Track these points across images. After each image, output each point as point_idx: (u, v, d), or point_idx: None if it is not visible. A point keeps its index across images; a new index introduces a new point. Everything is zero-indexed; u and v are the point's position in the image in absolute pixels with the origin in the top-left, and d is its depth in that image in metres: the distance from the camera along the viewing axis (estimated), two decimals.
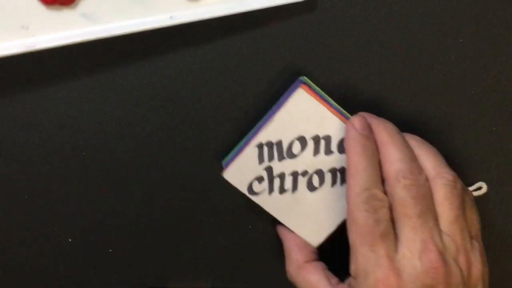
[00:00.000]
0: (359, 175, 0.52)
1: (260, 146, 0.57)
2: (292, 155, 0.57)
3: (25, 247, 0.62)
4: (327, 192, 0.57)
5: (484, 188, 0.61)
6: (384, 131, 0.53)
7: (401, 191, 0.51)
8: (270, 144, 0.57)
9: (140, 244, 0.63)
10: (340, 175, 0.57)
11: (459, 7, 0.60)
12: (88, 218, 0.63)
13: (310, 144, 0.57)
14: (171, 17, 0.58)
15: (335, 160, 0.57)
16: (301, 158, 0.57)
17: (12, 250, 0.62)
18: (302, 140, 0.57)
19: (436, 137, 0.60)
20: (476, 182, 0.62)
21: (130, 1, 0.57)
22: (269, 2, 0.58)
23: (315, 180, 0.58)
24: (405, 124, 0.57)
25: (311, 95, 0.56)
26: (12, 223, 0.62)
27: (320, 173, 0.57)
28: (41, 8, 0.56)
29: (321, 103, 0.56)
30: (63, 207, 0.62)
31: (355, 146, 0.53)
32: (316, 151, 0.57)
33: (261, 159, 0.57)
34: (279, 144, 0.57)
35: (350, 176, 0.52)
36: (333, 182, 0.57)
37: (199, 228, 0.62)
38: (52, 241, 0.62)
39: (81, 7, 0.56)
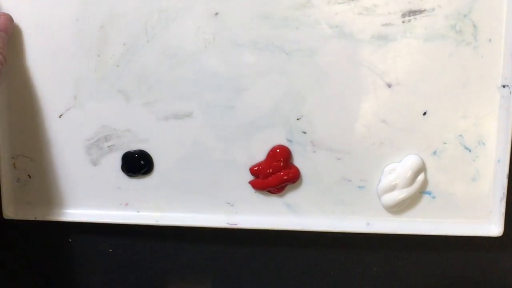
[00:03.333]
0: None
1: None
2: None
3: (26, 246, 0.63)
4: None
5: None
6: None
7: None
8: None
9: (140, 244, 0.62)
10: None
11: None
12: None
13: None
14: (367, 224, 0.59)
15: None
16: None
17: (12, 249, 0.63)
18: None
19: None
20: None
21: (334, 201, 0.58)
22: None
23: None
24: None
25: None
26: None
27: None
28: (250, 190, 0.58)
29: None
30: None
31: None
32: None
33: None
34: None
35: None
36: None
37: (199, 228, 0.60)
38: (52, 240, 0.62)
39: (287, 197, 0.58)
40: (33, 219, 0.59)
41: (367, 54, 0.55)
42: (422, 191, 0.57)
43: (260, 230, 0.59)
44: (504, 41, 0.54)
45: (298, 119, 0.56)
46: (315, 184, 0.58)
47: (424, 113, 0.56)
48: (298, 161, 0.57)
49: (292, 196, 0.59)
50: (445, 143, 0.56)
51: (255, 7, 0.54)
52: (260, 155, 0.57)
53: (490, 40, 0.54)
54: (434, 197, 0.57)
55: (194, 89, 0.56)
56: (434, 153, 0.56)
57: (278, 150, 0.57)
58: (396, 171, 0.57)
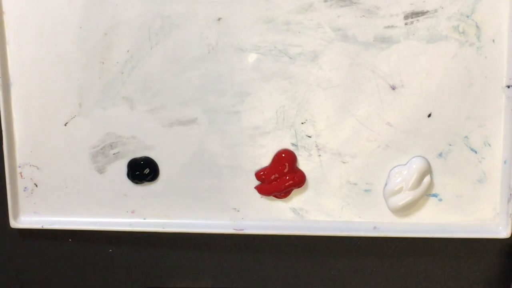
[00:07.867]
0: None
1: None
2: None
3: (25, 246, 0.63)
4: None
5: None
6: None
7: None
8: None
9: (140, 244, 0.62)
10: None
11: None
12: None
13: None
14: (374, 228, 0.59)
15: None
16: None
17: (13, 249, 0.63)
18: None
19: None
20: None
21: (340, 205, 0.58)
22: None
23: None
24: None
25: None
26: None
27: None
28: (256, 196, 0.58)
29: None
30: None
31: None
32: None
33: None
34: None
35: None
36: None
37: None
38: (52, 240, 0.62)
39: (293, 202, 0.58)
40: (39, 228, 0.59)
41: (370, 56, 0.55)
42: (428, 193, 0.57)
43: (266, 235, 0.58)
44: (508, 41, 0.54)
45: (302, 123, 0.56)
46: (321, 188, 0.58)
47: (429, 115, 0.55)
48: (303, 165, 0.57)
49: (298, 201, 0.59)
50: (450, 145, 0.56)
51: (258, 12, 0.55)
52: (265, 160, 0.57)
53: (493, 40, 0.54)
54: (440, 200, 0.57)
55: (198, 95, 0.56)
56: (440, 155, 0.56)
57: (283, 155, 0.57)
58: (402, 174, 0.57)
